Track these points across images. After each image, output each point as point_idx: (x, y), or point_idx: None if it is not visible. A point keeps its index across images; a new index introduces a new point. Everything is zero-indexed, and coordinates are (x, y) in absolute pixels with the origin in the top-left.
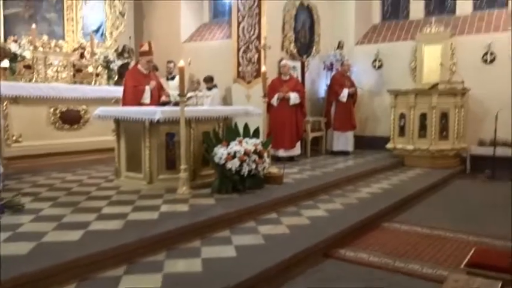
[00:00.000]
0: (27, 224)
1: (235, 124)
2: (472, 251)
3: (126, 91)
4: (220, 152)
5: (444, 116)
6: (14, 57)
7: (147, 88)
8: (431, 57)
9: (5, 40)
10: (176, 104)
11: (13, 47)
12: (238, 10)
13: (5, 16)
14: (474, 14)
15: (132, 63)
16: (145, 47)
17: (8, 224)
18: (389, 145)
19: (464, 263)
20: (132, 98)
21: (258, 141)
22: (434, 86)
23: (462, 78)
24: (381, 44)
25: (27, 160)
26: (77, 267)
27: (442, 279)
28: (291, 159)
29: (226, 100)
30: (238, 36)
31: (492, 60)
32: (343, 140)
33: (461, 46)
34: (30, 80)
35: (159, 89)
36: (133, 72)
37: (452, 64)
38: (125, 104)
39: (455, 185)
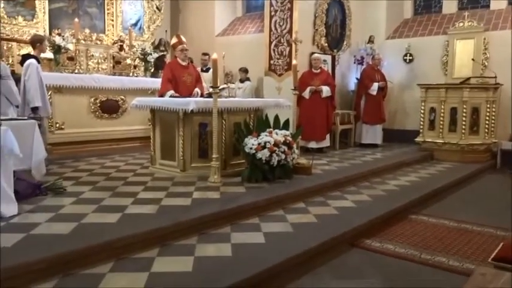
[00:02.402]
0: (68, 206)
1: (266, 116)
2: (501, 245)
3: (162, 82)
4: (251, 142)
5: (475, 111)
6: (58, 49)
7: (170, 92)
8: (464, 51)
9: (50, 33)
10: (209, 95)
11: (57, 40)
12: (271, 4)
13: (50, 10)
14: (509, 9)
15: (168, 56)
16: (174, 39)
17: (50, 206)
18: (418, 138)
19: (492, 257)
20: (164, 88)
21: (287, 132)
22: (465, 81)
23: (495, 73)
24: (412, 38)
25: (69, 146)
26: (114, 247)
27: (468, 272)
28: (319, 150)
29: (257, 92)
30: (271, 30)
31: None
32: (372, 133)
33: (495, 41)
34: (72, 71)
35: (197, 81)
36: (172, 64)
37: (484, 59)
38: (160, 94)
39: (485, 180)
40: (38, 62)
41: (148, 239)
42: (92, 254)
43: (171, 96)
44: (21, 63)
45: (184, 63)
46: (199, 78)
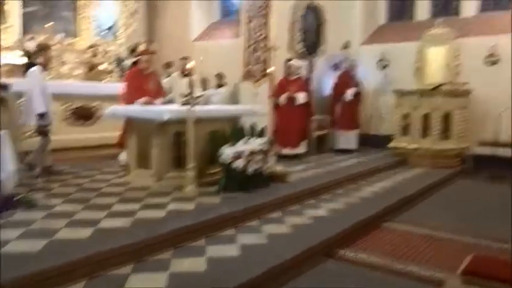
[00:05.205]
0: (39, 221)
1: (242, 124)
2: (469, 258)
3: (127, 92)
4: (227, 152)
5: (447, 116)
6: (30, 55)
7: (144, 99)
8: (436, 58)
9: (22, 37)
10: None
11: (30, 45)
12: (248, 10)
13: (22, 14)
14: (479, 16)
15: None
16: (142, 47)
17: (21, 221)
18: (392, 144)
19: (460, 270)
20: (133, 97)
21: (263, 140)
22: (438, 87)
23: (466, 79)
24: (387, 44)
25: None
26: (87, 265)
27: (439, 282)
28: (295, 156)
29: (234, 97)
30: (247, 36)
31: (495, 62)
32: (347, 139)
33: (466, 48)
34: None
35: (160, 87)
36: (133, 72)
37: (456, 65)
38: (127, 103)
39: (456, 185)
40: (44, 69)
41: (122, 254)
42: (63, 273)
43: (144, 103)
44: (25, 71)
45: (148, 71)
46: (161, 85)
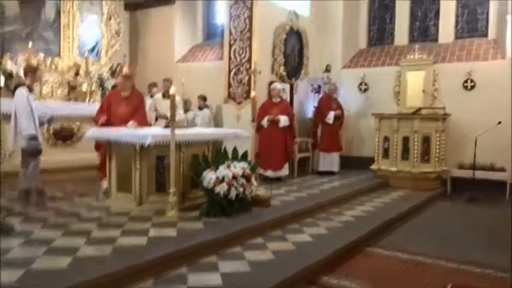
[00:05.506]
0: (16, 249)
1: (224, 148)
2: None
3: (98, 109)
4: (209, 176)
5: (426, 140)
6: (9, 75)
7: (101, 120)
8: (414, 82)
9: (1, 57)
10: (167, 126)
11: (9, 65)
12: (230, 33)
13: (2, 34)
14: (455, 43)
15: None
16: (119, 69)
17: None
18: (373, 166)
19: None
20: (98, 115)
21: (245, 165)
22: (417, 111)
23: (443, 103)
24: (367, 68)
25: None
26: None
27: None
28: (278, 179)
29: (217, 119)
30: (230, 58)
31: (472, 87)
32: (329, 161)
33: (443, 73)
34: None
35: (136, 111)
36: (111, 94)
37: (434, 90)
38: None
39: (436, 208)
40: (30, 90)
41: (101, 284)
42: None
43: (101, 124)
44: (13, 92)
45: (124, 93)
46: (140, 108)
